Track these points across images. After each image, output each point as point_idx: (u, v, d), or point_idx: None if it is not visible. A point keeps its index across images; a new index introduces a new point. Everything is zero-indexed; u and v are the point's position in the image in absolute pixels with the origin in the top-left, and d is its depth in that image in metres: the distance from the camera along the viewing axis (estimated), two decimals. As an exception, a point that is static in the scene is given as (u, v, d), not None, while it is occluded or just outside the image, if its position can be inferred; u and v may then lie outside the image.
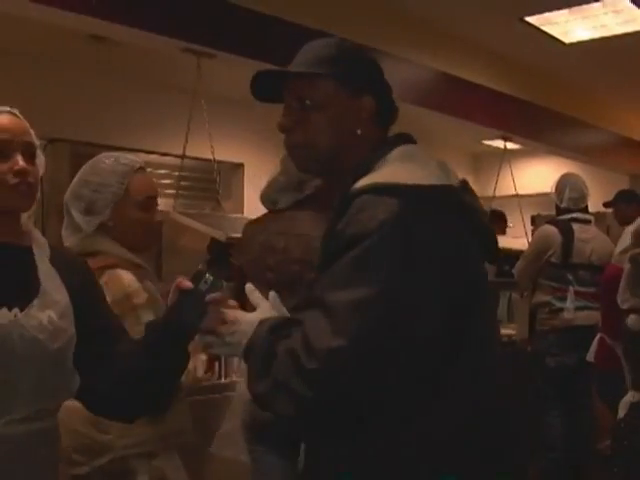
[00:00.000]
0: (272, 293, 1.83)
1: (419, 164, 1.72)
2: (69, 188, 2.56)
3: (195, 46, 4.61)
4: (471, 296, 1.68)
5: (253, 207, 8.14)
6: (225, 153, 6.07)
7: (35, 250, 1.85)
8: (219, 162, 5.23)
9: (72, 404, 1.90)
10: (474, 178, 10.11)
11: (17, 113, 1.89)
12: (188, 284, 1.73)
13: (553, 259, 5.19)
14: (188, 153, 4.95)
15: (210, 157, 4.97)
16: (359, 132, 1.79)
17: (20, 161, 1.79)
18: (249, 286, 1.84)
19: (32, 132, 1.90)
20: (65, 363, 1.78)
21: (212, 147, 4.82)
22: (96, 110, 6.89)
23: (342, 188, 1.72)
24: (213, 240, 5.71)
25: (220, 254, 6.11)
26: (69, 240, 2.53)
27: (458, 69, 6.57)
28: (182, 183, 6.29)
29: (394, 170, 1.69)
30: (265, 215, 3.35)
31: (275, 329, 1.66)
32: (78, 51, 6.07)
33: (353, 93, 1.79)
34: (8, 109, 1.87)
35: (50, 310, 1.76)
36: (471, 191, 1.81)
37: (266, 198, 3.31)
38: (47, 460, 1.80)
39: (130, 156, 2.58)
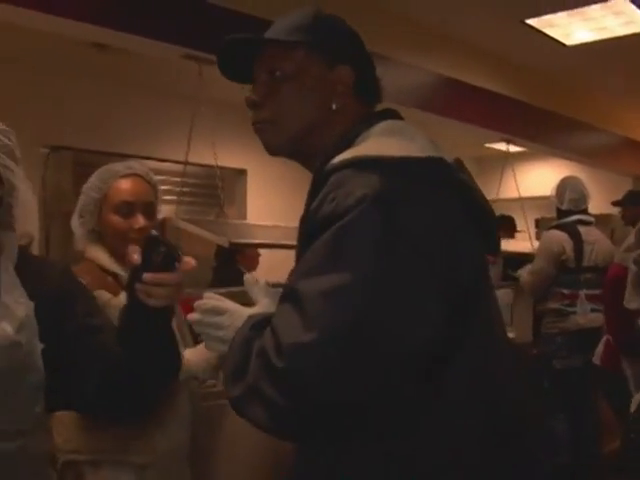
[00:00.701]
0: (262, 280, 1.66)
1: (406, 137, 1.53)
2: None
3: (196, 52, 4.61)
4: (468, 286, 1.46)
5: (256, 213, 8.20)
6: (228, 159, 6.07)
7: (2, 258, 1.72)
8: (222, 168, 5.22)
9: None
10: (477, 181, 10.08)
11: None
12: (135, 258, 1.54)
13: (567, 264, 5.18)
14: (191, 159, 4.95)
15: (213, 163, 4.97)
16: (334, 107, 1.61)
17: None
18: (249, 278, 1.66)
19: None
20: (20, 382, 1.63)
21: (215, 153, 4.82)
22: (99, 118, 6.90)
23: (316, 169, 1.54)
24: (219, 247, 5.72)
25: (227, 260, 6.13)
26: (79, 244, 2.53)
27: (459, 72, 6.56)
28: (184, 189, 6.29)
29: (377, 143, 1.50)
30: None
31: (257, 325, 1.47)
32: (80, 59, 6.09)
33: (328, 63, 1.62)
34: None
35: (5, 323, 1.60)
36: (467, 170, 1.61)
37: None
38: None
39: (133, 164, 2.56)
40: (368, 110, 1.67)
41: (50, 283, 1.76)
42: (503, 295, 5.35)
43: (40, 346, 1.65)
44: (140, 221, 2.42)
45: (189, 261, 1.59)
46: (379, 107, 1.70)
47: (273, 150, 1.67)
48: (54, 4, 4.08)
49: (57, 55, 6.07)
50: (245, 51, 1.66)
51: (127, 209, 2.44)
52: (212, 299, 1.59)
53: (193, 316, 1.58)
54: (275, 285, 1.64)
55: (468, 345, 1.45)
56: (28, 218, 1.82)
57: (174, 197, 7.56)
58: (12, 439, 1.63)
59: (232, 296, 1.65)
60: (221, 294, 1.64)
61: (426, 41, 6.21)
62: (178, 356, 1.78)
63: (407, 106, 5.80)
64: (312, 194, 1.49)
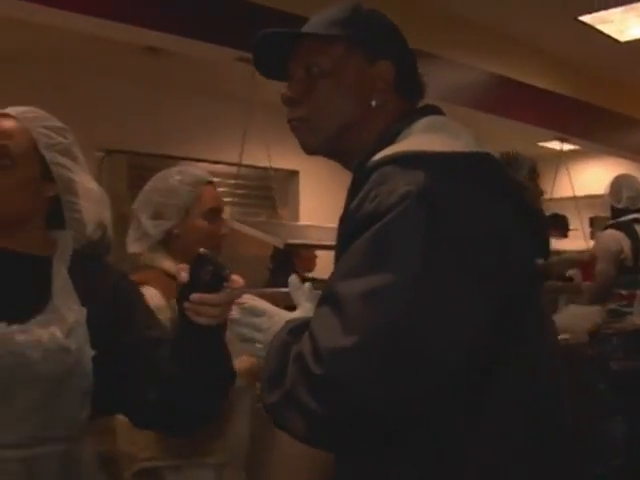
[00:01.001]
0: (307, 284, 1.61)
1: (451, 134, 1.45)
2: (138, 197, 2.56)
3: (249, 55, 4.63)
4: (517, 290, 1.37)
5: (308, 214, 8.20)
6: (280, 161, 6.09)
7: (55, 262, 1.70)
8: (274, 170, 5.25)
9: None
10: (530, 180, 9.99)
11: (11, 112, 1.73)
12: (183, 276, 1.50)
13: (625, 263, 5.11)
14: (243, 161, 4.98)
15: (265, 165, 4.99)
16: (374, 103, 1.53)
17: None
18: (293, 280, 1.61)
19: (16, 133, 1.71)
20: (68, 387, 1.61)
21: (269, 155, 4.83)
22: (152, 121, 6.98)
23: (356, 167, 1.48)
24: (275, 249, 5.74)
25: (283, 262, 6.14)
26: (134, 246, 2.51)
27: (512, 71, 6.52)
28: (238, 191, 6.33)
29: (420, 139, 1.42)
30: None
31: (295, 330, 1.41)
32: (133, 63, 6.16)
33: (368, 58, 1.54)
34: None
35: (55, 327, 1.59)
36: (515, 168, 1.55)
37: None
38: None
39: (200, 170, 2.62)
40: (409, 107, 1.59)
41: (105, 288, 1.74)
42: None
43: (91, 352, 1.63)
44: (223, 227, 2.53)
45: (237, 280, 1.53)
46: (421, 103, 1.63)
47: (310, 149, 1.60)
48: (109, 9, 4.14)
49: (110, 60, 6.15)
50: (282, 47, 1.61)
51: (214, 215, 2.52)
52: (251, 300, 1.56)
53: (232, 315, 1.56)
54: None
55: (516, 353, 1.36)
56: (97, 206, 1.79)
57: (228, 199, 7.65)
58: (59, 443, 1.62)
59: (276, 297, 1.64)
60: (264, 295, 1.62)
61: (478, 40, 6.18)
62: (232, 369, 1.73)
63: (459, 105, 5.78)
64: (352, 193, 1.42)
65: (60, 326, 1.60)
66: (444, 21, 5.76)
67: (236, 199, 6.19)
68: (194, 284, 1.49)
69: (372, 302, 1.24)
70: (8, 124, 1.68)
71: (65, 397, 1.61)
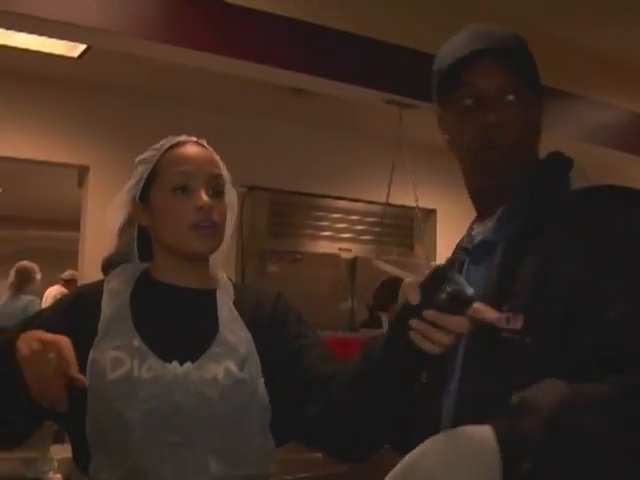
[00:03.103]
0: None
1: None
2: None
3: (398, 97, 4.67)
4: None
5: (445, 253, 8.14)
6: (419, 199, 6.14)
7: (218, 294, 1.65)
8: (411, 208, 5.27)
9: None
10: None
11: (204, 143, 1.68)
12: (414, 298, 1.23)
13: None
14: (380, 199, 5.04)
15: (410, 204, 5.02)
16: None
17: (204, 196, 1.57)
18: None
19: (221, 164, 1.68)
20: (247, 424, 1.53)
21: (416, 195, 4.86)
22: (296, 159, 7.13)
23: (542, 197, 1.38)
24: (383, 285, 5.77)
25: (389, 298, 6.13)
26: None
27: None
28: (376, 229, 6.38)
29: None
30: None
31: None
32: (278, 103, 6.31)
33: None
34: (194, 139, 1.67)
35: (229, 360, 1.53)
36: None
37: None
38: None
39: None
40: None
41: (265, 311, 1.67)
42: None
43: (262, 380, 1.56)
44: None
45: (482, 309, 1.22)
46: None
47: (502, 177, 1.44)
48: (255, 53, 4.27)
49: (256, 100, 6.32)
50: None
51: None
52: None
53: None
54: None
55: None
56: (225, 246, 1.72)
57: (367, 237, 7.71)
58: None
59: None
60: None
61: (621, 79, 6.07)
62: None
63: (604, 146, 5.68)
64: (547, 219, 1.33)
65: (233, 358, 1.54)
66: (583, 58, 5.68)
67: (375, 237, 6.23)
68: (428, 303, 1.22)
69: None
70: (214, 155, 1.68)
71: (247, 433, 1.53)
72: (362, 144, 7.36)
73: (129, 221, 1.71)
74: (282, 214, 7.47)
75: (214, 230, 1.60)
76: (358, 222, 7.85)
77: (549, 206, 1.35)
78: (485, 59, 1.41)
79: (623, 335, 1.14)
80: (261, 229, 7.25)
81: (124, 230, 1.73)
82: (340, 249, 7.66)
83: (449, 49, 1.47)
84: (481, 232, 1.50)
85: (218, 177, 1.64)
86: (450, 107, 1.49)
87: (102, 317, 1.57)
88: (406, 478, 1.07)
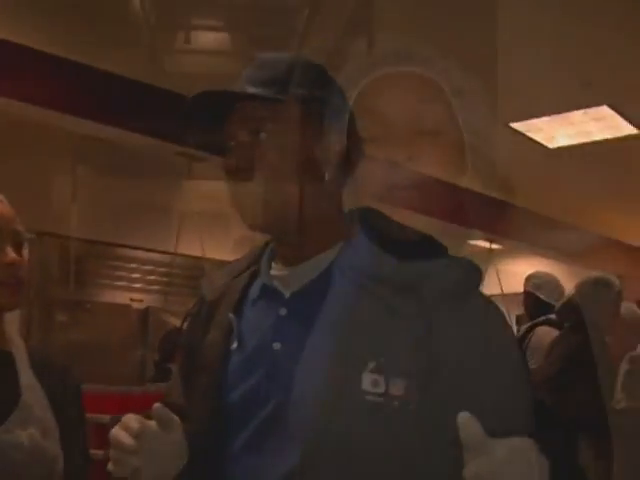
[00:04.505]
0: None
1: None
2: None
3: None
4: None
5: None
6: (208, 251, 6.16)
7: (16, 355, 1.60)
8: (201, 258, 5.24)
9: None
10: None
11: (3, 199, 1.63)
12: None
13: None
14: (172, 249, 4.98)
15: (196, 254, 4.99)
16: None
17: (11, 253, 1.54)
18: None
19: (18, 220, 1.64)
20: None
21: (202, 246, 4.87)
22: (87, 205, 6.96)
23: None
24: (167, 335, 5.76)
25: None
26: None
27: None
28: (169, 280, 6.28)
29: None
30: None
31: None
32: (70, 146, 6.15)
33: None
34: None
35: (32, 427, 1.50)
36: None
37: None
38: None
39: None
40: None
41: (59, 383, 1.67)
42: None
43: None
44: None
45: None
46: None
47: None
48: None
49: (47, 141, 6.15)
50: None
51: None
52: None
53: None
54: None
55: None
56: None
57: (160, 287, 7.58)
58: None
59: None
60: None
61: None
62: None
63: (391, 205, 5.87)
64: None
65: (37, 426, 1.51)
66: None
67: (166, 287, 6.15)
68: None
69: None
70: (12, 210, 1.65)
71: None
72: (153, 192, 7.26)
73: None
74: (73, 262, 7.26)
75: (20, 287, 1.59)
76: (151, 272, 7.72)
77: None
78: None
79: None
80: (50, 277, 7.02)
81: None
82: (132, 299, 7.52)
83: None
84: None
85: (20, 234, 1.63)
86: None
87: None
88: None
